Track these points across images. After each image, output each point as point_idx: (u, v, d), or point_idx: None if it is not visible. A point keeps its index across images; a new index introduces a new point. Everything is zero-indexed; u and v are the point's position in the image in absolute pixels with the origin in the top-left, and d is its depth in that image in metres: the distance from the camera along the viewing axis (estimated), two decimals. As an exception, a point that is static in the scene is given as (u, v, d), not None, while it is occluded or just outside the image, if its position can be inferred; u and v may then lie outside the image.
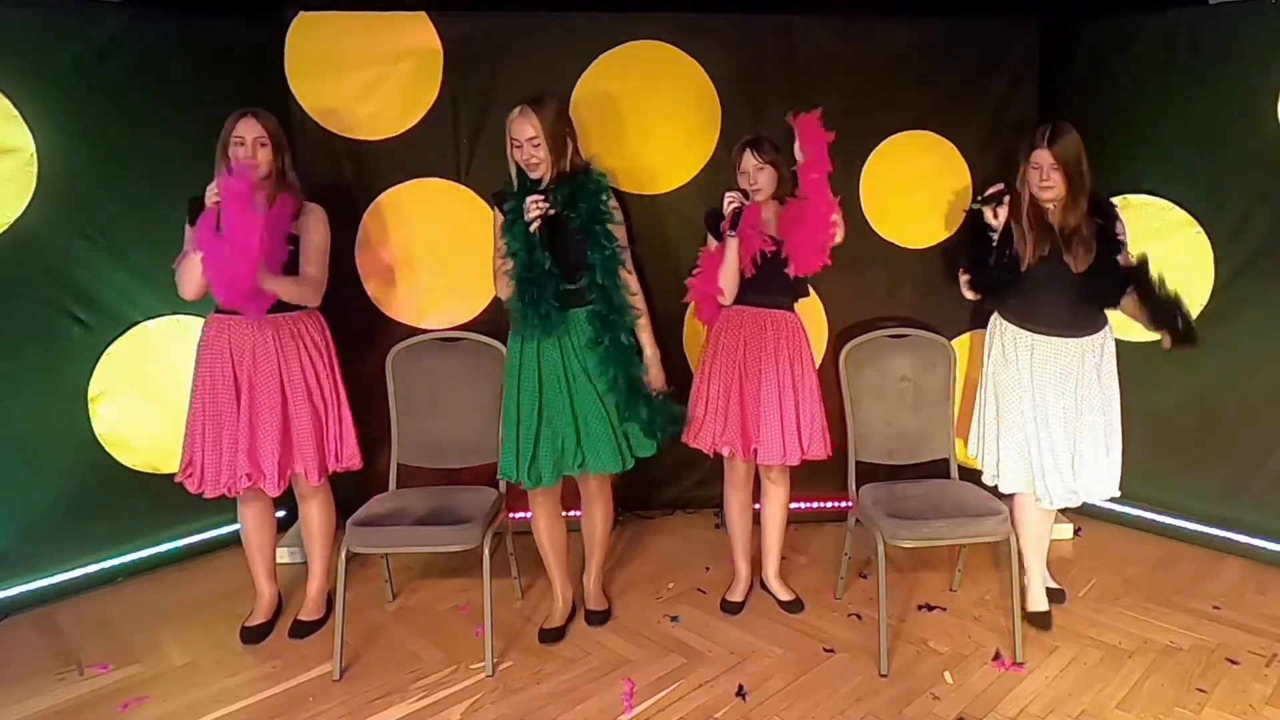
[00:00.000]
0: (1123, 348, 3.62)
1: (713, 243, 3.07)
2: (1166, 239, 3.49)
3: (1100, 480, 2.94)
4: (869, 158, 3.68)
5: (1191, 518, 3.60)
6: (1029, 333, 2.89)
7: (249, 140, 2.73)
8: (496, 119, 3.52)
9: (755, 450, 3.01)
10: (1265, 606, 3.14)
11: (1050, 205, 2.84)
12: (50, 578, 3.22)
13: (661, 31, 3.56)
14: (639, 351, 2.88)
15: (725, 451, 3.05)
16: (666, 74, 3.58)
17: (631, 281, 2.87)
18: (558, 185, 2.72)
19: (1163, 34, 3.49)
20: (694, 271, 3.10)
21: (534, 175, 2.73)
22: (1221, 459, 3.51)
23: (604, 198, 2.77)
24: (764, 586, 3.28)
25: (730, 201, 2.89)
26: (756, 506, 3.24)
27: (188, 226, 2.76)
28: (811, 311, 3.75)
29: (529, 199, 2.65)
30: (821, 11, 3.60)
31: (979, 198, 2.94)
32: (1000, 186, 2.92)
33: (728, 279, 2.96)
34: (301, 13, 3.45)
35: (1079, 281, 2.82)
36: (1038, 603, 3.03)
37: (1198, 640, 2.93)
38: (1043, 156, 2.77)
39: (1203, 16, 3.42)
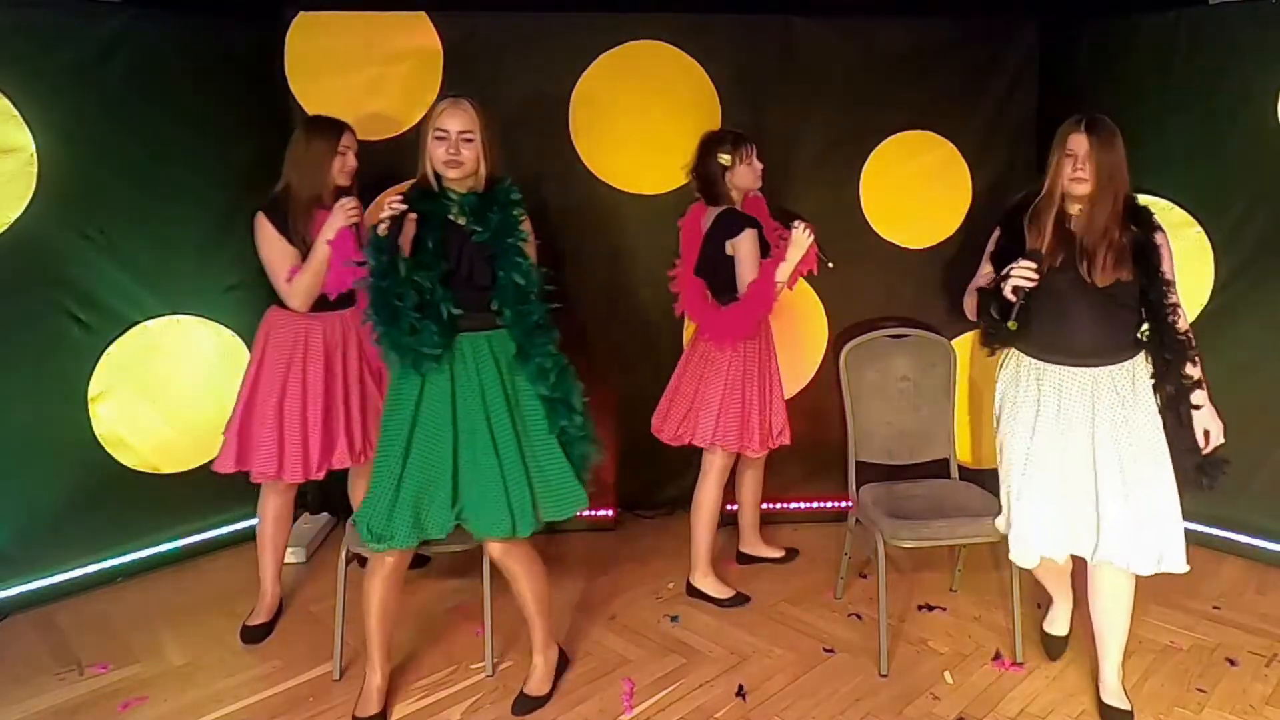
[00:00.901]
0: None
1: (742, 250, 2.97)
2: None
3: (1132, 545, 2.40)
4: (869, 158, 3.68)
5: (1191, 518, 3.58)
6: (1038, 361, 2.48)
7: (352, 151, 2.92)
8: (496, 119, 3.53)
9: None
10: (1265, 606, 3.14)
11: (1078, 206, 2.42)
12: (50, 578, 3.22)
13: (661, 31, 3.57)
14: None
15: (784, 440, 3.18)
16: (666, 74, 3.58)
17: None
18: (464, 195, 2.40)
19: (1163, 34, 3.49)
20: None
21: (451, 174, 2.37)
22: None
23: (516, 212, 2.42)
24: (748, 559, 3.37)
25: (806, 231, 2.93)
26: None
27: (278, 237, 2.82)
28: (812, 311, 3.76)
29: (388, 199, 2.34)
30: (821, 11, 3.61)
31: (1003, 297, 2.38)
32: (1028, 277, 2.33)
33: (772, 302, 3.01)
34: (301, 13, 3.45)
35: (1102, 297, 2.39)
36: (1053, 624, 2.85)
37: (1198, 640, 2.93)
38: (1079, 142, 2.33)
39: (1203, 16, 3.42)
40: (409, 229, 2.35)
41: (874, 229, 3.72)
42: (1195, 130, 3.44)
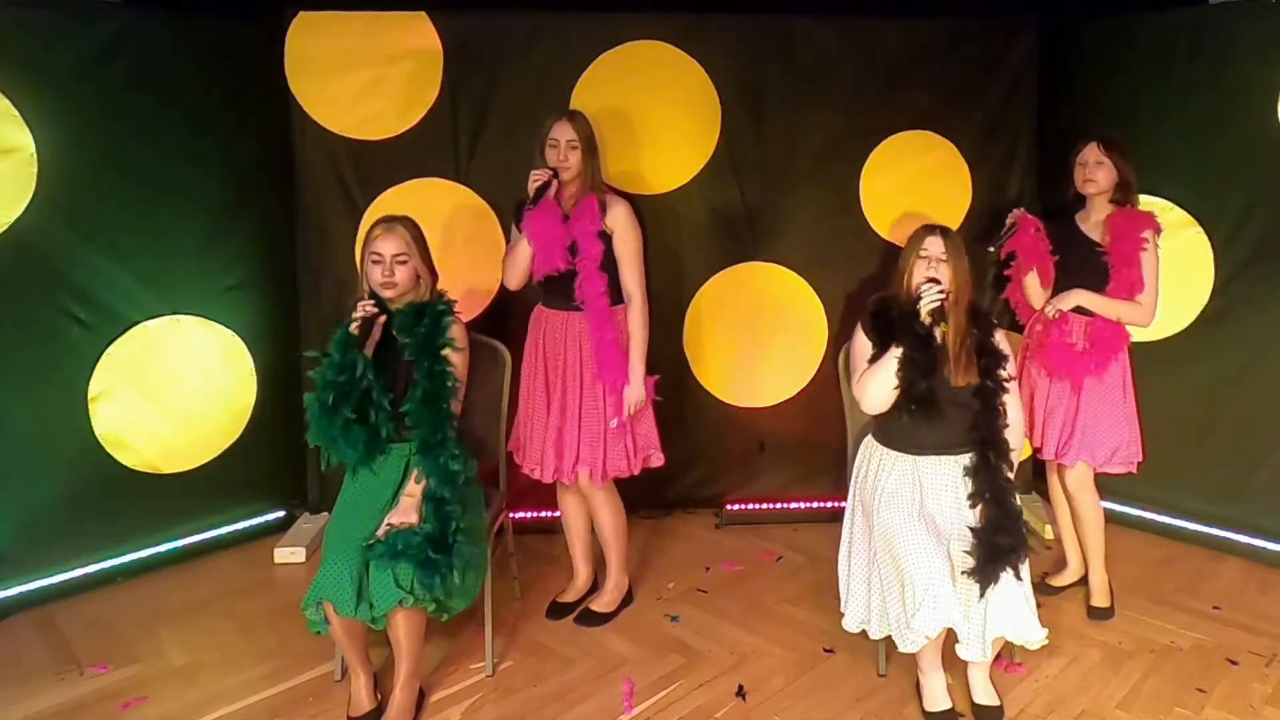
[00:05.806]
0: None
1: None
2: (1166, 239, 3.48)
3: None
4: (869, 158, 3.68)
5: (1191, 518, 3.60)
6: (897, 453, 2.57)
7: (562, 143, 2.82)
8: (496, 119, 3.55)
9: None
10: (1265, 606, 3.14)
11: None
12: (50, 578, 3.22)
13: (661, 31, 3.57)
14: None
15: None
16: (666, 74, 3.58)
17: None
18: (399, 310, 2.57)
19: (1163, 34, 3.49)
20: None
21: (387, 294, 2.54)
22: (1221, 459, 3.51)
23: (445, 321, 2.57)
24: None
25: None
26: None
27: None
28: (811, 311, 3.76)
29: (361, 301, 2.50)
30: (821, 11, 3.61)
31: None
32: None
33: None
34: (301, 13, 3.45)
35: (962, 396, 2.49)
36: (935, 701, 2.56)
37: (1198, 640, 2.93)
38: (935, 244, 2.49)
39: (1203, 16, 3.43)
40: (377, 331, 2.53)
41: (874, 229, 3.72)
42: (1195, 130, 3.43)
